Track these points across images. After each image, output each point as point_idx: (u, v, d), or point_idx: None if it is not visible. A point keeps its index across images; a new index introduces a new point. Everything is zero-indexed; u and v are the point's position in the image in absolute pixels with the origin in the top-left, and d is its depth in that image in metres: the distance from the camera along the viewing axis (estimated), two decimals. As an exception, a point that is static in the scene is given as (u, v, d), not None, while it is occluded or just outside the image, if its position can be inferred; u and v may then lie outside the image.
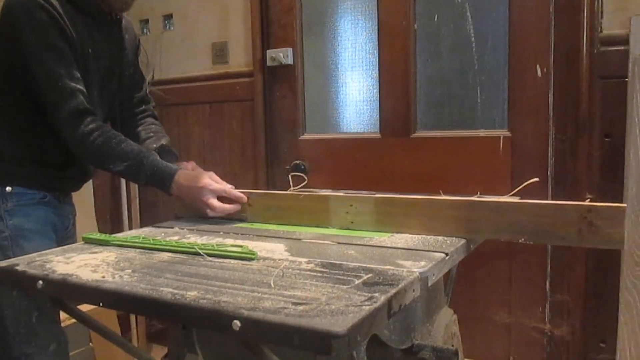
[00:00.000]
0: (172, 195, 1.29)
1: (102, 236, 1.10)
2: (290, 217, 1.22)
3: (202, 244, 1.01)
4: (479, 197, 1.04)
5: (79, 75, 1.25)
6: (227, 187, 1.28)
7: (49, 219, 1.35)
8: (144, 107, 1.55)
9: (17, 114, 1.29)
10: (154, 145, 1.43)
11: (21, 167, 1.30)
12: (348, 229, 1.15)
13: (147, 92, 1.58)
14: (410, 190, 1.70)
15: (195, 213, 1.30)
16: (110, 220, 2.45)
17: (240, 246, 0.97)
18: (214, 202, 1.25)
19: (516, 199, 1.10)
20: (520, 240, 1.02)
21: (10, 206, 1.28)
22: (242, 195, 1.28)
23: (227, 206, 1.27)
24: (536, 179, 1.23)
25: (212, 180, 1.27)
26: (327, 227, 1.17)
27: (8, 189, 1.28)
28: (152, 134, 1.48)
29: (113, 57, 1.38)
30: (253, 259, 0.92)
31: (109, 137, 1.25)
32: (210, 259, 0.94)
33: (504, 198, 1.03)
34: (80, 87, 1.24)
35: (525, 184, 1.21)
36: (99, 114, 1.36)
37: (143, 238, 1.07)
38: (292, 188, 1.59)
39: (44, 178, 1.33)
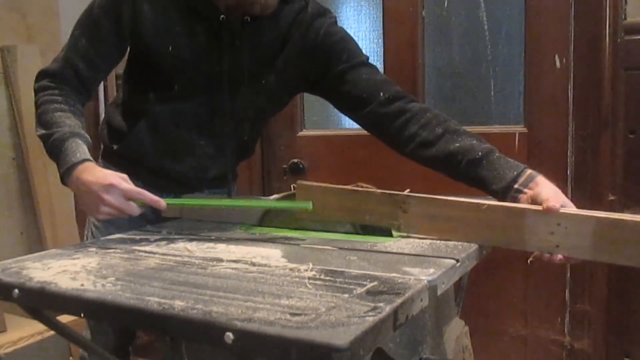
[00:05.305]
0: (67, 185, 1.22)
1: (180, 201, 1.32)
2: (464, 232, 1.04)
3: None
4: None
5: (92, 57, 1.28)
6: (141, 190, 1.15)
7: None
8: (381, 97, 1.30)
9: None
10: (453, 147, 1.24)
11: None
12: (550, 253, 0.97)
13: (378, 78, 1.32)
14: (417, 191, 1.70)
15: (84, 209, 1.21)
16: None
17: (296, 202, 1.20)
18: (109, 197, 1.12)
19: None
20: None
21: None
22: (158, 199, 1.15)
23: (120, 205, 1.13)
24: None
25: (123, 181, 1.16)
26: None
27: None
28: (442, 135, 1.26)
29: (237, 62, 1.30)
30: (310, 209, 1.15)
31: (51, 101, 1.25)
32: (202, 264, 0.94)
33: None
34: (76, 62, 1.27)
35: None
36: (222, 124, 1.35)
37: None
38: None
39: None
